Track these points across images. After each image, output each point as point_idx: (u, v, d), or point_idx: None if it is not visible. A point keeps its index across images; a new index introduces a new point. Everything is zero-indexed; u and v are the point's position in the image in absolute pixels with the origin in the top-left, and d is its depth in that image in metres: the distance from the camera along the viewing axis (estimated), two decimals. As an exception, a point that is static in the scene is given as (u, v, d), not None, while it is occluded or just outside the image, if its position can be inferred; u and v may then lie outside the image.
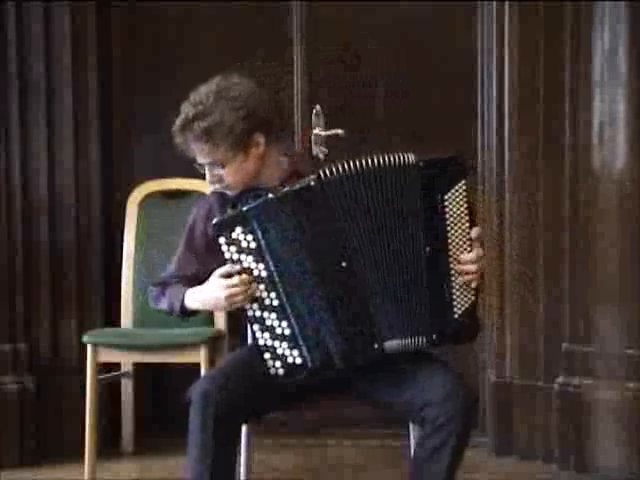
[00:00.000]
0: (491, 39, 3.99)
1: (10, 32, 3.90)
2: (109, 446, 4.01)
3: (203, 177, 2.66)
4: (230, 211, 2.48)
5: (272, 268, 2.45)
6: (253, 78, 2.63)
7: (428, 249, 2.48)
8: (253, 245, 2.44)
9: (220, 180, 2.60)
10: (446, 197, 2.50)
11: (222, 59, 4.23)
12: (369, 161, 2.47)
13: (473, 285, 2.53)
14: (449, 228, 2.51)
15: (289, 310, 2.46)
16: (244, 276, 2.45)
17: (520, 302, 3.88)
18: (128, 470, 3.90)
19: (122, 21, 4.21)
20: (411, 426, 2.74)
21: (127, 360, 3.93)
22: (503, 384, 3.94)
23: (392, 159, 2.48)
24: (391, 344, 2.49)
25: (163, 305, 2.67)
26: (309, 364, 2.46)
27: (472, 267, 2.51)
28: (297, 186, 2.46)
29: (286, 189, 2.47)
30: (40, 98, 3.95)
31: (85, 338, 3.70)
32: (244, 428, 2.74)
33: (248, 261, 2.46)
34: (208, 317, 3.90)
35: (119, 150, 4.23)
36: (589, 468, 3.71)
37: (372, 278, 2.47)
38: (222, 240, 2.46)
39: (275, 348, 2.47)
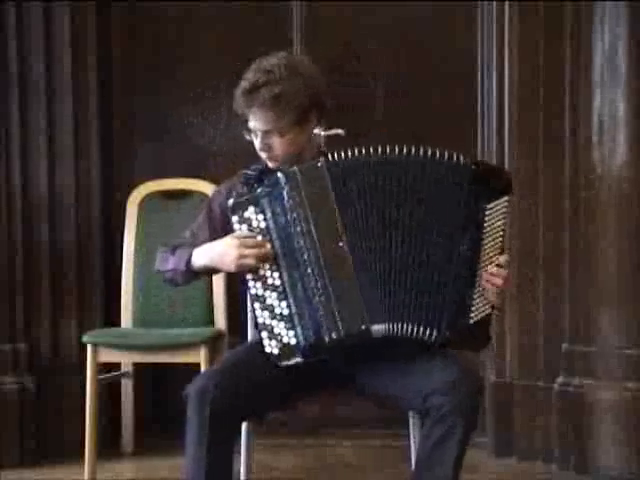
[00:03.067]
0: (491, 39, 3.99)
1: (10, 32, 3.90)
2: (109, 446, 4.00)
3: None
4: (246, 191, 2.54)
5: (277, 248, 2.49)
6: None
7: (462, 248, 2.49)
8: (263, 225, 2.50)
9: (270, 149, 2.62)
10: (488, 206, 2.52)
11: (222, 59, 4.23)
12: (393, 150, 2.48)
13: (494, 292, 2.52)
14: (484, 237, 2.52)
15: (289, 291, 2.48)
16: (259, 239, 2.49)
17: (520, 302, 3.88)
18: (128, 470, 3.90)
19: (122, 21, 4.22)
20: (411, 426, 2.74)
21: (127, 360, 3.93)
22: (503, 384, 3.94)
23: (441, 153, 2.49)
24: (380, 328, 2.46)
25: (169, 265, 2.68)
26: (302, 344, 2.47)
27: (503, 271, 2.52)
28: (304, 166, 2.52)
29: (295, 168, 2.51)
30: (40, 98, 3.95)
31: (85, 338, 3.70)
32: (244, 428, 2.74)
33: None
34: (208, 317, 3.90)
35: (119, 150, 4.23)
36: (589, 468, 3.71)
37: (369, 260, 2.47)
38: (235, 218, 2.52)
39: (272, 327, 2.49)
